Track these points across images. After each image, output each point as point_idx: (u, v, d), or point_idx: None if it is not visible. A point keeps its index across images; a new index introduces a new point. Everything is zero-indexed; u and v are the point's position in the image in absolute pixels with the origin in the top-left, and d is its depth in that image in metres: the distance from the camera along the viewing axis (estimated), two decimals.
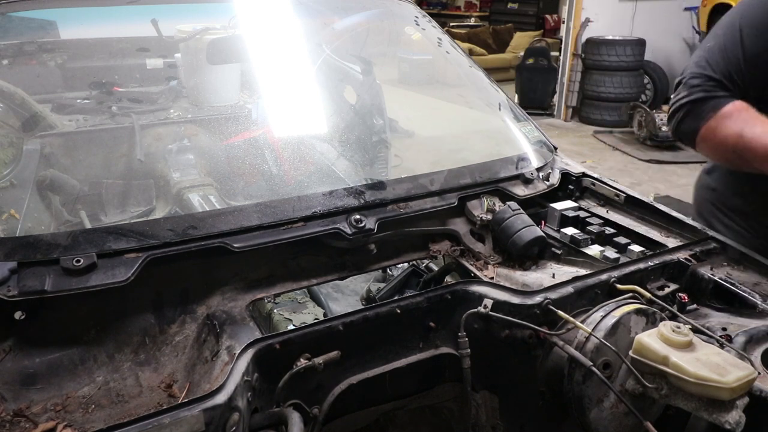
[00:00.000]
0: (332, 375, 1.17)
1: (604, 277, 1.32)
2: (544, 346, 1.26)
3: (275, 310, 1.83)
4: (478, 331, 1.26)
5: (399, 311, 1.21)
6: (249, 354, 1.06)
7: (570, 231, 1.55)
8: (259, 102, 2.31)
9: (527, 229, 1.45)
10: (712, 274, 1.37)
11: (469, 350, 1.24)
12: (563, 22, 8.59)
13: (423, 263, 1.74)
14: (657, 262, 1.39)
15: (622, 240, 1.50)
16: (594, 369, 1.11)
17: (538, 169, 1.68)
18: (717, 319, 1.30)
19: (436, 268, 1.64)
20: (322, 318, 1.81)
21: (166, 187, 2.03)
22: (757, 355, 1.16)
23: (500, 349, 1.28)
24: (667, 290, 1.36)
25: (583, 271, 1.37)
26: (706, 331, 1.19)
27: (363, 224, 1.36)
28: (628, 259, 1.43)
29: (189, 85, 2.62)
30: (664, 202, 1.87)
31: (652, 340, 1.08)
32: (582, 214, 1.63)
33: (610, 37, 7.87)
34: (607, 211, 1.67)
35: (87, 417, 1.03)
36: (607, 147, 7.12)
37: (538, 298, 1.23)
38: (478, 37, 11.46)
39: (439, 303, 1.26)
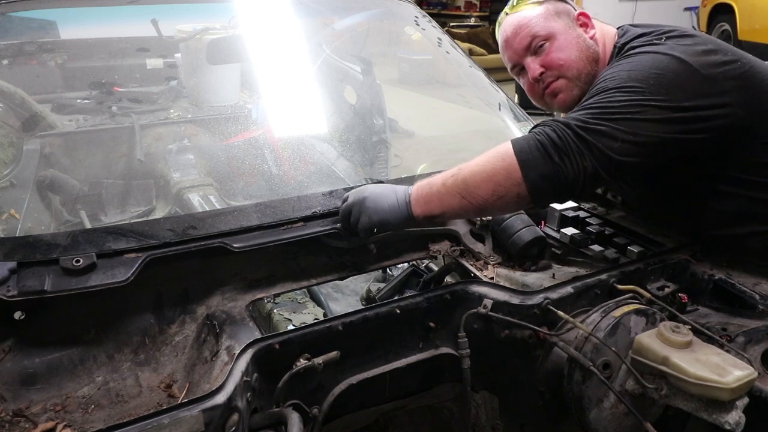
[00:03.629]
0: (332, 375, 1.17)
1: (604, 277, 1.32)
2: (543, 346, 1.25)
3: (275, 310, 1.83)
4: (478, 332, 1.26)
5: (399, 311, 1.21)
6: (248, 354, 1.06)
7: (570, 231, 1.55)
8: (259, 102, 2.31)
9: (527, 229, 1.44)
10: (711, 274, 1.37)
11: (468, 350, 1.24)
12: None
13: (423, 263, 1.73)
14: (657, 262, 1.39)
15: (622, 240, 1.50)
16: (594, 369, 1.11)
17: None
18: (717, 319, 1.30)
19: (436, 268, 1.64)
20: (322, 318, 1.81)
21: (166, 187, 2.03)
22: (757, 355, 1.16)
23: (500, 350, 1.28)
24: (666, 290, 1.36)
25: (583, 271, 1.37)
26: (706, 331, 1.19)
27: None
28: (628, 259, 1.43)
29: (189, 85, 2.62)
30: None
31: (651, 340, 1.08)
32: (582, 214, 1.63)
33: None
34: (607, 211, 1.67)
35: (87, 417, 1.03)
36: None
37: (537, 299, 1.23)
38: (478, 37, 11.43)
39: (439, 303, 1.26)
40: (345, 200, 1.34)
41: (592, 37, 1.44)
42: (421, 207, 1.28)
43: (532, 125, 1.95)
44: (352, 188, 1.46)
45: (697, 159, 1.32)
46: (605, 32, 1.47)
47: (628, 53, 1.34)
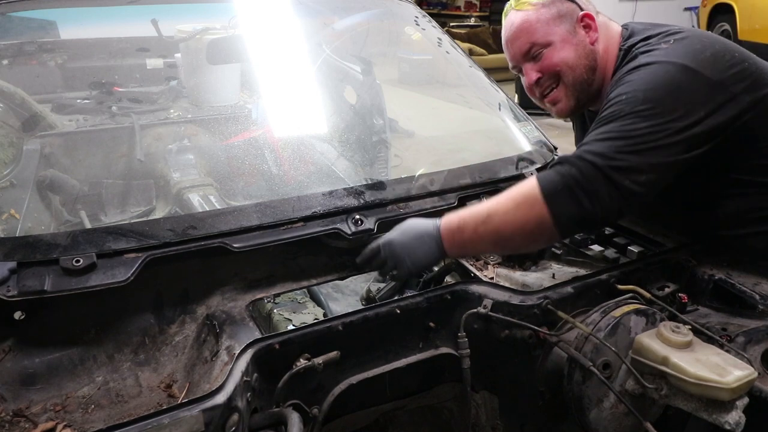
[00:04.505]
0: (332, 375, 1.17)
1: (604, 277, 1.32)
2: (543, 346, 1.26)
3: (275, 310, 1.83)
4: (478, 331, 1.26)
5: (399, 311, 1.21)
6: (248, 354, 1.06)
7: None
8: (259, 102, 2.31)
9: None
10: (711, 274, 1.37)
11: (468, 350, 1.24)
12: None
13: None
14: (657, 262, 1.39)
15: (622, 240, 1.50)
16: (593, 369, 1.11)
17: (538, 170, 1.68)
18: (717, 319, 1.30)
19: (436, 268, 1.64)
20: (322, 318, 1.81)
21: (166, 187, 2.03)
22: (757, 355, 1.16)
23: (500, 349, 1.28)
24: (667, 290, 1.36)
25: (583, 271, 1.37)
26: (706, 331, 1.19)
27: (363, 224, 1.36)
28: (628, 259, 1.43)
29: (189, 85, 2.62)
30: None
31: (651, 340, 1.08)
32: None
33: None
34: None
35: (87, 417, 1.03)
36: None
37: (537, 299, 1.23)
38: (478, 37, 11.43)
39: (439, 303, 1.26)
40: (376, 253, 1.33)
41: (594, 41, 1.43)
42: (456, 250, 1.32)
43: (533, 124, 1.95)
44: (352, 188, 1.45)
45: (701, 162, 1.32)
46: (610, 33, 1.45)
47: (635, 60, 1.33)
